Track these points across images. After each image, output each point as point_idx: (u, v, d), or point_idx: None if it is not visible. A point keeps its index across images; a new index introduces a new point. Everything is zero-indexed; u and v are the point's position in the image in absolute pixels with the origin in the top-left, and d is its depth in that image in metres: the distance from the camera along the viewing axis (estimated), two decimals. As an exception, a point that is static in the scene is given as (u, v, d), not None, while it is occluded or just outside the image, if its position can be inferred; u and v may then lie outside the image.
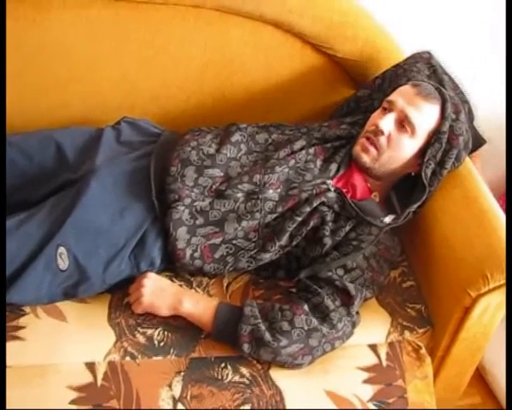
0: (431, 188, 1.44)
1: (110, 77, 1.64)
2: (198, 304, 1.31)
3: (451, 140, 1.44)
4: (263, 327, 1.26)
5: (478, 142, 1.58)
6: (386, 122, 1.42)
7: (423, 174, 1.41)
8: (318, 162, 1.45)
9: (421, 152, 1.44)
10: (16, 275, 1.26)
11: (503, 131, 1.74)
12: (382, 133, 1.41)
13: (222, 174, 1.42)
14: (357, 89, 1.68)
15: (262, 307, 1.30)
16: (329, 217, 1.39)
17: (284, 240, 1.37)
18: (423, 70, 1.59)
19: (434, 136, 1.43)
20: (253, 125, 1.54)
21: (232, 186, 1.39)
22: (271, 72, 1.71)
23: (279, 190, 1.40)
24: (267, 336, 1.25)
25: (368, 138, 1.44)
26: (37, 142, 1.48)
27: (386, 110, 1.45)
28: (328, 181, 1.43)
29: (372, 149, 1.43)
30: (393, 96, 1.46)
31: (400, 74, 1.60)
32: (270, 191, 1.39)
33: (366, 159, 1.43)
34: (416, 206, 1.42)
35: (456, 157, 1.45)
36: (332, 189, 1.41)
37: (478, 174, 1.49)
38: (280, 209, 1.38)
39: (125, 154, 1.46)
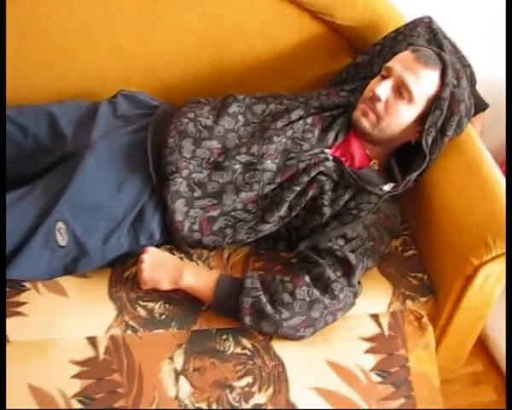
0: (432, 156, 1.42)
1: (106, 49, 1.62)
2: (199, 277, 1.31)
3: (452, 107, 1.41)
4: (264, 299, 1.25)
5: (480, 106, 1.55)
6: (383, 88, 1.39)
7: (424, 142, 1.39)
8: (316, 132, 1.44)
9: (422, 119, 1.42)
10: (15, 251, 1.26)
11: (504, 95, 1.70)
12: (379, 100, 1.39)
13: (219, 146, 1.40)
14: (357, 56, 1.65)
15: (263, 279, 1.29)
16: (328, 186, 1.38)
17: (283, 211, 1.36)
18: (423, 35, 1.56)
19: (435, 102, 1.40)
20: (250, 96, 1.52)
21: (230, 158, 1.37)
22: (269, 41, 1.69)
23: (277, 161, 1.38)
24: (268, 308, 1.25)
25: (366, 104, 1.42)
26: (33, 115, 1.46)
27: (384, 76, 1.42)
28: (326, 150, 1.41)
29: (371, 115, 1.41)
30: (391, 63, 1.43)
31: (400, 40, 1.57)
32: (268, 162, 1.37)
33: (366, 123, 1.41)
34: (416, 174, 1.41)
35: (457, 124, 1.43)
36: (330, 158, 1.39)
37: (479, 140, 1.47)
38: (278, 180, 1.37)
39: (121, 127, 1.44)
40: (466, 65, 1.55)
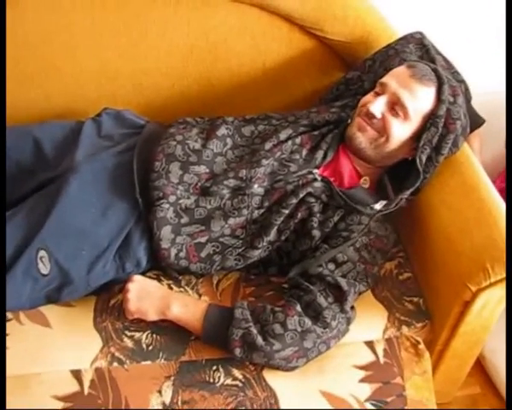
0: (426, 175, 1.39)
1: (89, 66, 1.58)
2: (186, 307, 1.26)
3: (448, 125, 1.38)
4: (255, 331, 1.21)
5: (476, 122, 1.52)
6: (377, 105, 1.36)
7: (418, 160, 1.36)
8: (304, 152, 1.40)
9: (417, 136, 1.38)
10: (-5, 280, 1.21)
11: (502, 109, 1.67)
12: (374, 117, 1.36)
13: (208, 171, 1.36)
14: (348, 72, 1.62)
15: (253, 309, 1.25)
16: (317, 208, 1.34)
17: (272, 235, 1.32)
18: (415, 51, 1.53)
19: (430, 119, 1.37)
20: (239, 119, 1.49)
21: (218, 183, 1.34)
22: (258, 56, 1.65)
23: (265, 184, 1.35)
24: (259, 340, 1.21)
25: (363, 119, 1.38)
26: (15, 138, 1.42)
27: (378, 93, 1.39)
28: (315, 170, 1.38)
29: (370, 130, 1.37)
30: (386, 79, 1.40)
31: (392, 55, 1.53)
32: (256, 186, 1.34)
33: (362, 139, 1.38)
34: (408, 192, 1.37)
35: (453, 143, 1.39)
36: (318, 178, 1.36)
37: (476, 160, 1.43)
38: (266, 204, 1.33)
39: (106, 148, 1.40)
40: (460, 80, 1.52)
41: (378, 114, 1.36)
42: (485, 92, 1.66)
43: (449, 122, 1.38)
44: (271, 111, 1.55)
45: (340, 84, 1.62)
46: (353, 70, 1.61)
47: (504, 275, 1.24)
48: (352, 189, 1.39)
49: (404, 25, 1.60)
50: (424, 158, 1.37)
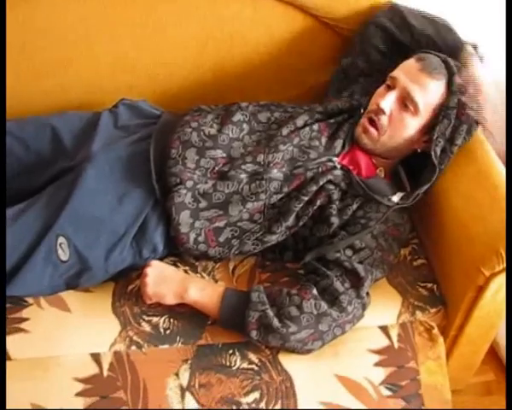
0: (441, 166, 1.40)
1: (106, 58, 1.60)
2: (204, 291, 1.28)
3: (460, 115, 1.38)
4: (271, 313, 1.23)
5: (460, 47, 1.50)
6: (388, 101, 1.38)
7: (433, 153, 1.36)
8: (323, 139, 1.42)
9: (427, 128, 1.40)
10: (17, 268, 1.23)
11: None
12: (383, 112, 1.37)
13: (224, 155, 1.38)
14: (341, 60, 1.64)
15: (269, 292, 1.27)
16: (336, 195, 1.36)
17: (291, 221, 1.33)
18: (392, 18, 1.56)
19: (442, 112, 1.38)
20: (254, 104, 1.50)
21: (235, 167, 1.35)
22: (273, 46, 1.66)
23: (284, 170, 1.36)
24: (275, 322, 1.22)
25: (369, 119, 1.40)
26: (34, 129, 1.44)
27: (389, 86, 1.40)
28: (334, 158, 1.39)
29: (372, 130, 1.39)
30: (396, 72, 1.41)
31: (372, 32, 1.57)
32: (275, 171, 1.35)
33: (366, 140, 1.41)
34: (425, 187, 1.38)
35: (466, 131, 1.40)
36: (338, 166, 1.37)
37: (490, 148, 1.43)
38: (285, 189, 1.34)
39: (122, 138, 1.42)
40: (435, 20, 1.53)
41: (387, 110, 1.37)
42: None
43: (461, 112, 1.38)
44: (285, 102, 1.56)
45: (339, 73, 1.63)
46: (345, 57, 1.63)
47: (518, 260, 1.25)
48: (371, 178, 1.40)
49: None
50: (439, 151, 1.38)
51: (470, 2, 1.79)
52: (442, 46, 1.48)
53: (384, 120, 1.38)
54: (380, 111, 1.38)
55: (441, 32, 1.51)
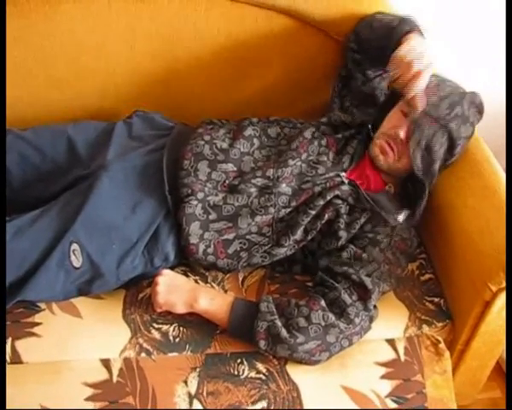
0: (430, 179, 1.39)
1: (122, 69, 1.63)
2: (214, 301, 1.30)
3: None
4: (279, 324, 1.24)
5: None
6: (407, 132, 1.38)
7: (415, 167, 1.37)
8: (331, 154, 1.44)
9: None
10: (30, 273, 1.25)
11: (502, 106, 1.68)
12: (402, 142, 1.39)
13: (235, 169, 1.40)
14: (340, 70, 1.65)
15: (278, 303, 1.29)
16: (344, 210, 1.37)
17: (299, 234, 1.35)
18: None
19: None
20: (263, 120, 1.53)
21: (245, 181, 1.37)
22: (287, 61, 1.68)
23: (292, 184, 1.38)
24: (284, 332, 1.23)
25: (387, 142, 1.41)
26: (50, 137, 1.47)
27: (405, 113, 1.40)
28: (342, 174, 1.41)
29: (391, 154, 1.41)
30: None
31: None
32: (284, 185, 1.37)
33: (383, 162, 1.42)
34: (422, 206, 1.38)
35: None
36: (346, 181, 1.39)
37: (496, 162, 1.44)
38: (293, 203, 1.36)
39: (136, 148, 1.45)
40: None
41: (404, 139, 1.39)
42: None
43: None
44: (293, 117, 1.58)
45: (338, 83, 1.64)
46: (343, 67, 1.63)
47: (525, 275, 1.26)
48: (379, 193, 1.42)
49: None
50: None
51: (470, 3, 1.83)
52: (379, 39, 1.45)
53: (401, 147, 1.40)
54: (398, 139, 1.39)
55: (374, 27, 1.51)
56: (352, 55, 1.58)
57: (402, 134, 1.39)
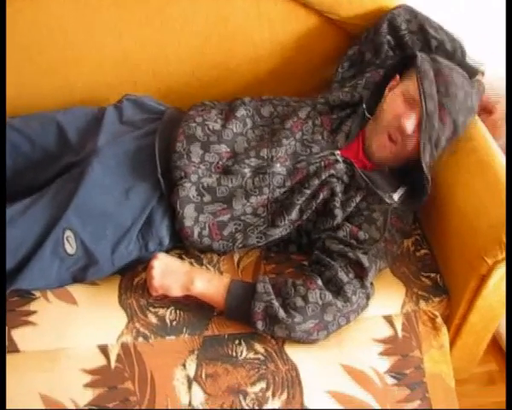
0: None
1: (111, 55, 1.61)
2: (210, 283, 1.29)
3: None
4: (276, 304, 1.24)
5: (475, 73, 1.52)
6: (411, 124, 1.34)
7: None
8: (325, 133, 1.42)
9: None
10: (24, 262, 1.25)
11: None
12: (406, 134, 1.34)
13: (228, 150, 1.39)
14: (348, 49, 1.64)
15: (275, 283, 1.28)
16: (339, 188, 1.37)
17: (294, 214, 1.35)
18: (404, 14, 1.56)
19: None
20: (256, 99, 1.51)
21: (239, 162, 1.37)
22: (276, 42, 1.67)
23: (287, 164, 1.37)
24: (281, 312, 1.23)
25: (389, 136, 1.36)
26: (40, 125, 1.45)
27: (410, 105, 1.35)
28: (337, 152, 1.40)
29: (393, 148, 1.37)
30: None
31: (387, 26, 1.57)
32: (278, 165, 1.36)
33: (384, 156, 1.39)
34: (426, 194, 1.35)
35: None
36: (341, 160, 1.38)
37: (491, 139, 1.44)
38: (288, 183, 1.36)
39: (127, 133, 1.44)
40: (453, 39, 1.54)
41: (411, 133, 1.34)
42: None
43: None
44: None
45: (344, 62, 1.62)
46: (353, 46, 1.63)
47: (522, 248, 1.26)
48: (374, 171, 1.41)
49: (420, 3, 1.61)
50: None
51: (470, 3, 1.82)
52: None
53: (406, 139, 1.35)
54: (403, 131, 1.34)
55: (457, 53, 1.53)
56: (387, 45, 1.57)
57: (409, 127, 1.33)
